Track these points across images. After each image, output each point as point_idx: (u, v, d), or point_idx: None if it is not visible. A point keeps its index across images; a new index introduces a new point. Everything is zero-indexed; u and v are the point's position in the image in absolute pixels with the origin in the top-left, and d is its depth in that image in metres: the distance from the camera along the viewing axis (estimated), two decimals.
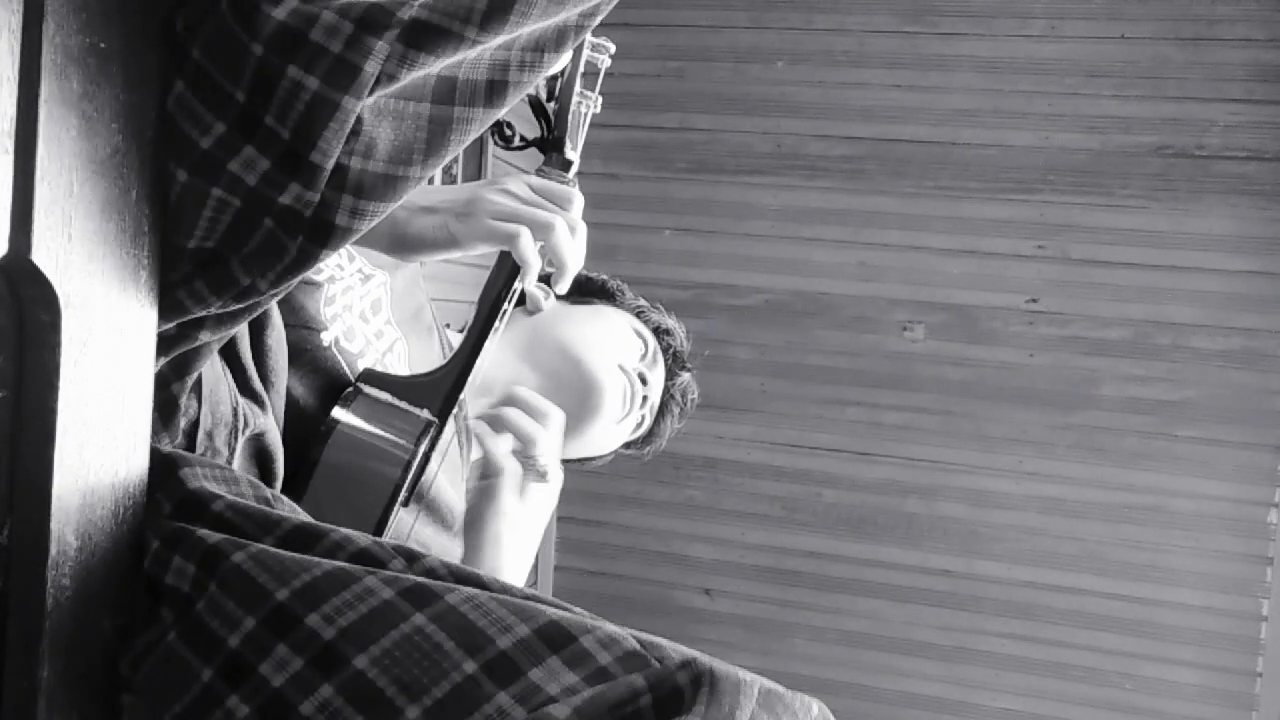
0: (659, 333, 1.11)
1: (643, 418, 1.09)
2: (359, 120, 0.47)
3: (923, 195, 2.63)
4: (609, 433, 1.05)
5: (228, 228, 0.50)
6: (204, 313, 0.52)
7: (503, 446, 0.85)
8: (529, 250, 0.73)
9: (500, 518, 0.83)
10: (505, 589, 0.48)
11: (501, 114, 0.52)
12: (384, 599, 0.46)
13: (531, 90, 0.79)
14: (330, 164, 0.47)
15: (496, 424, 0.86)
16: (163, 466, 0.54)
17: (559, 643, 0.44)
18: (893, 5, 2.62)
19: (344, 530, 0.51)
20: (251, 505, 0.53)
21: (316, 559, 0.49)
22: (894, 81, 2.63)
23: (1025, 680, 2.61)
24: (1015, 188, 2.58)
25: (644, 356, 1.07)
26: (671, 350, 1.12)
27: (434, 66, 0.47)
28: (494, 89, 0.50)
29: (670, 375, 1.12)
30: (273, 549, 0.49)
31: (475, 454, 0.92)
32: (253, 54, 0.44)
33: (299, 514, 0.55)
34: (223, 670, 0.47)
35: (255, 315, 0.56)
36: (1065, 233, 2.56)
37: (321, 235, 0.50)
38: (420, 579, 0.47)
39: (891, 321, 2.66)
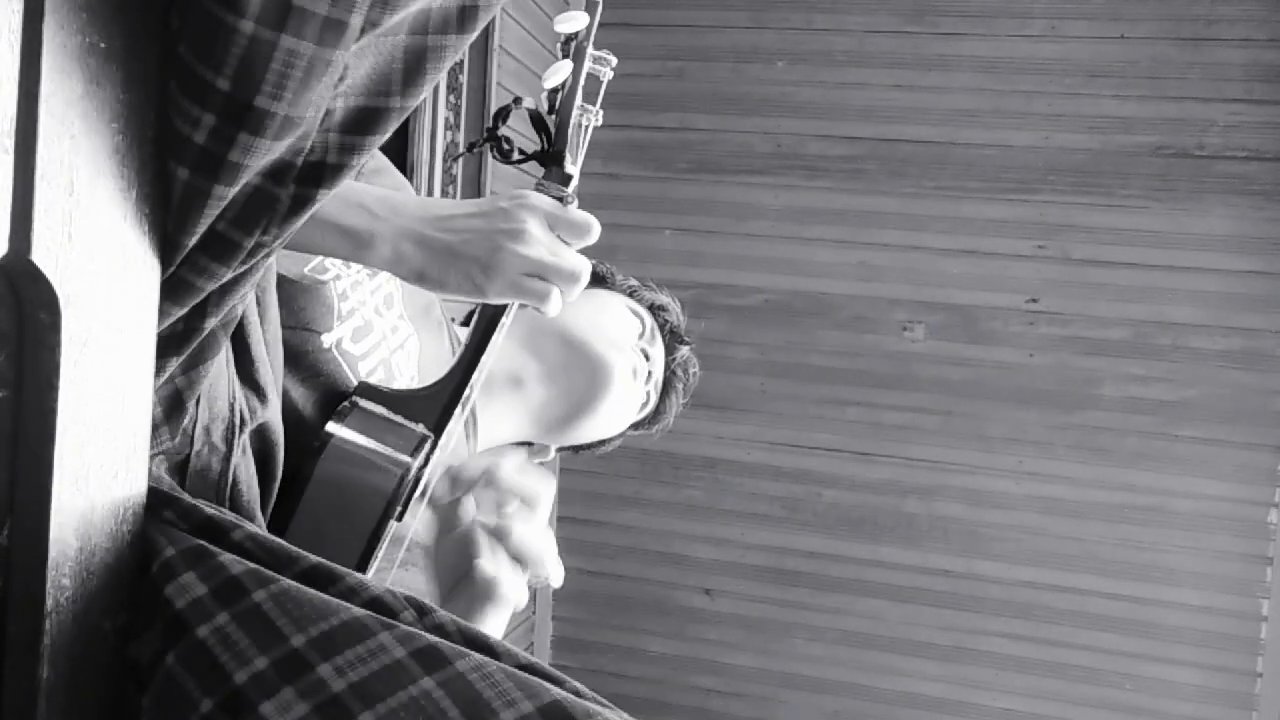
0: (654, 309, 1.11)
1: (648, 394, 1.08)
2: (345, 65, 0.48)
3: (923, 195, 2.63)
4: (618, 411, 1.04)
5: (225, 206, 0.50)
6: (213, 286, 0.52)
7: (515, 581, 0.78)
8: (557, 308, 0.72)
9: (486, 628, 0.78)
10: (512, 656, 0.48)
11: (473, 38, 0.52)
12: (396, 658, 0.47)
13: (532, 103, 0.79)
14: (321, 114, 0.48)
15: (500, 538, 0.78)
16: (168, 497, 0.54)
17: None
18: (893, 5, 2.62)
19: (358, 575, 0.52)
20: (270, 539, 0.53)
21: (335, 605, 0.49)
22: (894, 81, 2.63)
23: (1025, 680, 2.61)
24: (1015, 188, 2.58)
25: (642, 334, 1.07)
26: (668, 326, 1.12)
27: (414, 6, 0.47)
28: (465, 14, 0.50)
29: (669, 350, 1.12)
30: (294, 590, 0.49)
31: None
32: (241, 33, 0.44)
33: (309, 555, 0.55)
34: (224, 704, 0.47)
35: (257, 277, 0.55)
36: (1065, 233, 2.56)
37: (314, 177, 0.50)
38: (433, 640, 0.48)
39: (891, 321, 2.66)
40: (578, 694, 0.47)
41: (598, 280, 1.10)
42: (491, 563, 0.77)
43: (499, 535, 0.78)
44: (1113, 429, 2.55)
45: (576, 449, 1.14)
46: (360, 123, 0.50)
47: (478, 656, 0.47)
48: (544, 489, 0.81)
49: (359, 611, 0.49)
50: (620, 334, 1.04)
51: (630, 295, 1.11)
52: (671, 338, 1.12)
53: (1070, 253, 2.56)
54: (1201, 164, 2.49)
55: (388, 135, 0.51)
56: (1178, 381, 2.52)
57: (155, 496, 0.53)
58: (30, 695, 0.45)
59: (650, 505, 2.81)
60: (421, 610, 0.50)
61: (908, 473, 2.67)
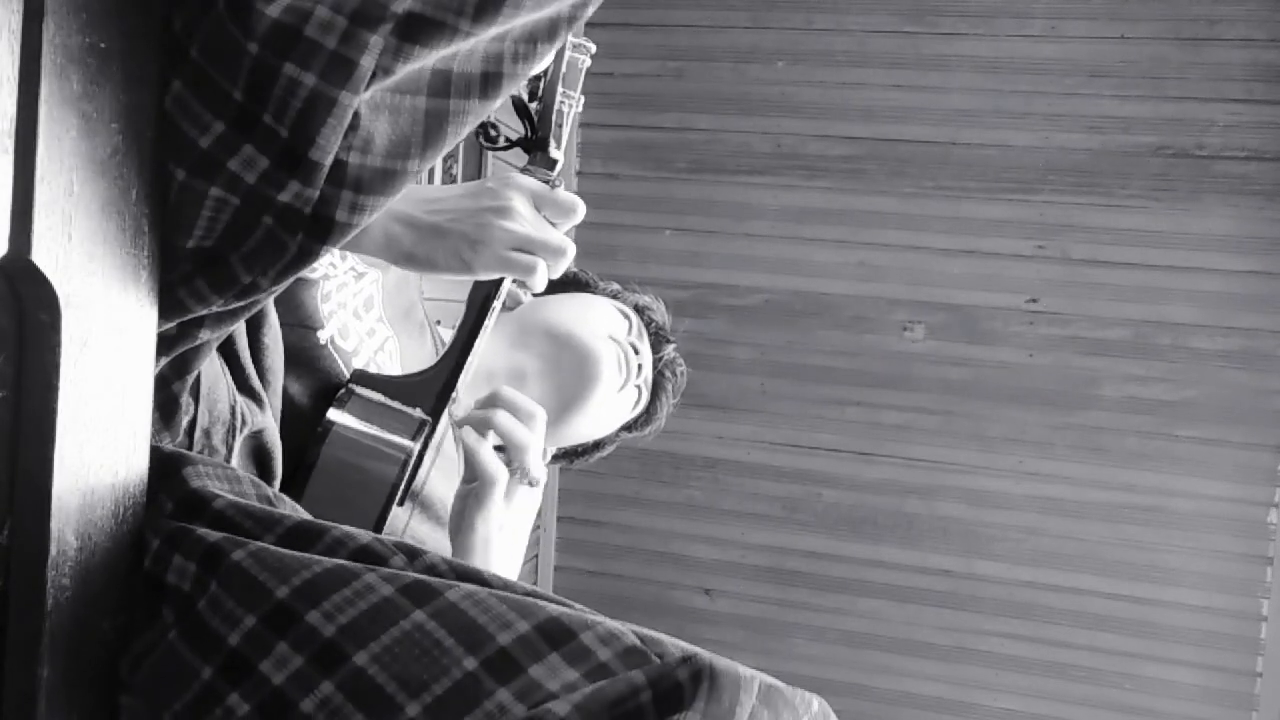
0: (639, 309, 1.12)
1: (639, 390, 1.09)
2: (356, 115, 0.47)
3: (923, 195, 2.63)
4: (611, 406, 1.05)
5: (227, 226, 0.50)
6: (205, 311, 0.52)
7: (490, 453, 0.84)
8: (543, 282, 0.73)
9: (489, 522, 0.83)
10: (506, 585, 0.48)
11: (496, 105, 0.52)
12: (384, 596, 0.46)
13: (516, 90, 0.80)
14: (329, 160, 0.48)
15: (484, 427, 0.84)
16: (165, 465, 0.54)
17: (559, 639, 0.45)
18: (893, 5, 2.62)
19: (344, 527, 0.52)
20: (252, 504, 0.53)
21: (316, 556, 0.49)
22: (894, 81, 2.63)
23: (1025, 680, 2.61)
24: (1015, 188, 2.58)
25: (630, 331, 1.08)
26: (654, 324, 1.13)
27: (428, 59, 0.47)
28: (488, 81, 0.50)
29: (655, 349, 1.13)
30: (272, 547, 0.49)
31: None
32: (249, 53, 0.45)
33: (300, 512, 0.55)
34: (223, 668, 0.47)
35: (254, 312, 0.56)
36: (1065, 233, 2.56)
37: (321, 231, 0.50)
38: (420, 576, 0.47)
39: (891, 321, 2.66)
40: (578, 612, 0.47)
41: (581, 286, 1.11)
42: (477, 439, 0.82)
43: (487, 421, 0.83)
44: (1112, 429, 2.55)
45: (571, 457, 1.15)
46: (375, 184, 0.50)
47: (469, 585, 0.47)
48: (541, 410, 0.87)
49: (342, 559, 0.49)
50: (607, 328, 1.05)
51: (614, 298, 1.12)
52: (657, 337, 1.13)
53: (1070, 253, 2.56)
54: (1201, 164, 2.49)
55: (398, 195, 0.52)
56: (1178, 381, 2.52)
57: None
58: (30, 695, 0.45)
59: (650, 505, 2.81)
60: (412, 554, 0.50)
61: (908, 473, 2.67)
